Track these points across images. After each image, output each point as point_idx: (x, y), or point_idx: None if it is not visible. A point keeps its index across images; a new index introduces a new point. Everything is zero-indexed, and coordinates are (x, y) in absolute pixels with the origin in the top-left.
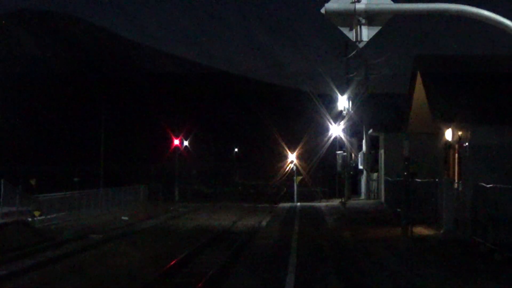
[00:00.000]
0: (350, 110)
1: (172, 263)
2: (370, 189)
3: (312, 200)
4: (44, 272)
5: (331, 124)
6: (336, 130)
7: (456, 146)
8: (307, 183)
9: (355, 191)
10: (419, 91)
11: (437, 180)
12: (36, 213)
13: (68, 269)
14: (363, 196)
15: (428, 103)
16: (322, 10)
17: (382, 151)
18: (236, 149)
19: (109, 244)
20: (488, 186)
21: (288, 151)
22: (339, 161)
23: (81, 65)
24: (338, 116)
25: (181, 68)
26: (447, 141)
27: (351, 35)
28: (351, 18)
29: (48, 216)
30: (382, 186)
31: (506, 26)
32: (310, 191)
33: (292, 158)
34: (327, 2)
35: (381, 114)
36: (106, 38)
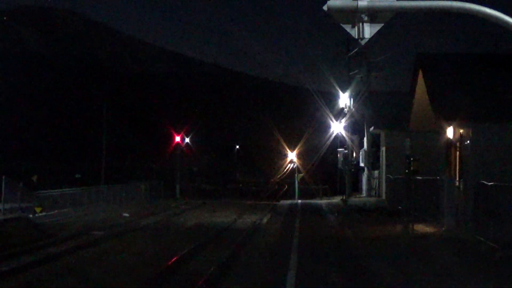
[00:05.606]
0: (351, 107)
1: (172, 260)
2: (371, 187)
3: (313, 197)
4: (46, 269)
5: (332, 121)
6: (337, 127)
7: (458, 144)
8: (308, 180)
9: (356, 189)
10: (421, 89)
11: (438, 178)
12: (38, 209)
13: (69, 266)
14: (364, 193)
15: (429, 101)
16: (325, 7)
17: (383, 149)
18: (237, 147)
19: (111, 240)
20: (489, 184)
21: (289, 148)
22: (340, 158)
23: (82, 61)
24: (339, 114)
25: (182, 65)
26: (448, 139)
27: (353, 32)
28: (353, 15)
29: (50, 213)
30: (384, 184)
31: (509, 23)
32: (311, 188)
33: (293, 155)
34: None
35: (382, 111)
36: (107, 35)
